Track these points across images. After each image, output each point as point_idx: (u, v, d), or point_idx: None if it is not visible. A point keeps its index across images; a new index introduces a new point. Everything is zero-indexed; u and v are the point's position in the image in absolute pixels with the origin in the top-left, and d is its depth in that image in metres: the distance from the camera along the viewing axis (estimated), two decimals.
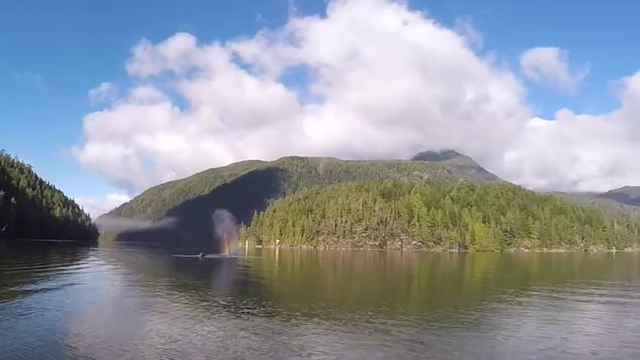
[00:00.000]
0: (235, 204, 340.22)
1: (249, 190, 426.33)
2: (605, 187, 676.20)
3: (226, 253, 72.95)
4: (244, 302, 18.02)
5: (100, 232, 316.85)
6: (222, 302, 18.02)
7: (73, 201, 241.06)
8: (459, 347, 11.01)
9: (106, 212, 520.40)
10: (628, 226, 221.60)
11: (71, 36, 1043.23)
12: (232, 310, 16.03)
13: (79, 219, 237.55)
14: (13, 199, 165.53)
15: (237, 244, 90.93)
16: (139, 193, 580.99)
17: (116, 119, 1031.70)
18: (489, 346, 11.57)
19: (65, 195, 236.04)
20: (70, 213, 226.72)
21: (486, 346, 11.52)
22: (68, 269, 35.17)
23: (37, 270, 32.94)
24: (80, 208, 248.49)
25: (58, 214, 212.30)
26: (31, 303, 16.73)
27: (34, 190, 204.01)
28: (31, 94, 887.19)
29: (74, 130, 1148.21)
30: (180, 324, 13.27)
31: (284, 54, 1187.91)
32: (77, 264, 43.41)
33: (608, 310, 17.90)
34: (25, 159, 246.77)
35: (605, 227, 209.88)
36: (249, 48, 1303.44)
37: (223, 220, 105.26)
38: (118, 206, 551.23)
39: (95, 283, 26.11)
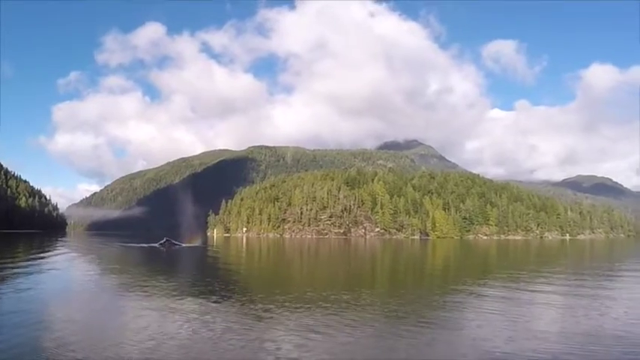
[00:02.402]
0: (205, 193, 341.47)
1: (219, 179, 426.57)
2: (559, 176, 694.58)
3: (192, 242, 68.61)
4: (213, 293, 18.03)
5: (70, 222, 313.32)
6: (190, 293, 17.98)
7: (39, 191, 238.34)
8: (423, 337, 11.29)
9: (76, 202, 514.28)
10: (581, 213, 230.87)
11: (40, 25, 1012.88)
12: (202, 301, 16.08)
13: (46, 209, 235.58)
14: None
15: (197, 236, 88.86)
16: (109, 183, 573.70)
17: (86, 109, 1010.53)
18: (453, 331, 12.08)
19: (32, 185, 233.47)
20: (37, 203, 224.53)
21: (450, 331, 12.04)
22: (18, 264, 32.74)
23: None
24: (47, 197, 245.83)
25: (23, 205, 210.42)
26: None
27: None
28: None
29: (43, 119, 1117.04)
30: (149, 317, 13.23)
31: (253, 44, 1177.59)
32: (28, 257, 41.60)
33: (565, 297, 18.83)
34: None
35: (559, 215, 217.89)
36: (218, 38, 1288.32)
37: (185, 204, 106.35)
38: (88, 196, 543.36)
39: (48, 276, 25.30)
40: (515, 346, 10.35)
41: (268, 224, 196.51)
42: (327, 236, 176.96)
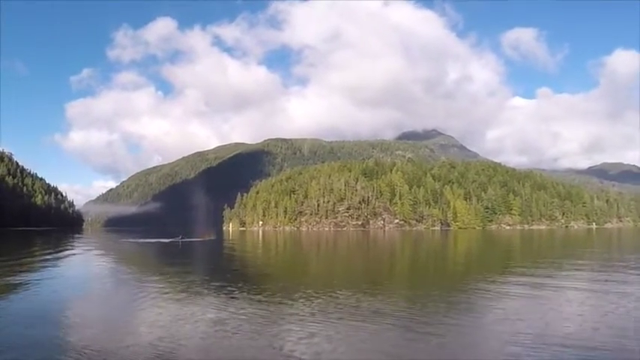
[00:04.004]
0: (221, 187, 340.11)
1: (235, 172, 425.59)
2: (584, 164, 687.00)
3: (206, 237, 68.41)
4: (231, 288, 17.30)
5: (87, 218, 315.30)
6: (207, 288, 17.53)
7: (55, 188, 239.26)
8: (444, 327, 10.91)
9: (93, 199, 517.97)
10: (607, 201, 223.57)
11: (51, 23, 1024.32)
12: (219, 296, 15.51)
13: (62, 206, 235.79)
14: None
15: (211, 230, 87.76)
16: (125, 179, 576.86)
17: (99, 105, 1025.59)
18: (475, 325, 11.57)
19: (48, 182, 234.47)
20: (53, 200, 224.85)
21: (472, 326, 11.49)
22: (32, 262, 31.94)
23: None
24: (64, 194, 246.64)
25: (39, 202, 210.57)
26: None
27: (14, 178, 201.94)
28: (13, 82, 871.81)
29: (57, 117, 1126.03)
30: (168, 311, 12.88)
31: (266, 37, 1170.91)
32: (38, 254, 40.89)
33: (590, 289, 17.43)
34: (7, 147, 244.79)
35: (585, 203, 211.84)
36: (230, 31, 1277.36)
37: (200, 199, 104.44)
38: (104, 192, 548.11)
39: (68, 271, 25.49)
40: (539, 343, 9.49)
41: (284, 217, 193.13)
42: (344, 228, 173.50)
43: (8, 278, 20.81)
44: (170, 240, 60.00)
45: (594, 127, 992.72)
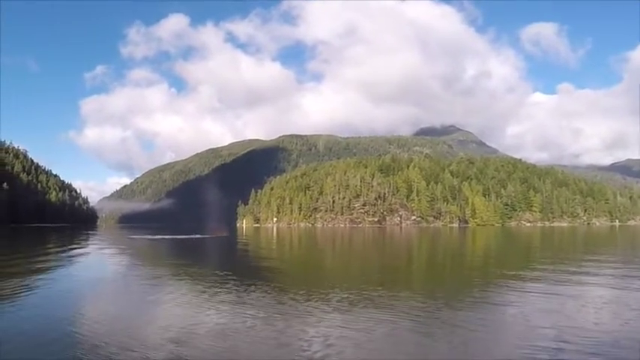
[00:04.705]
0: (235, 183, 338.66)
1: (249, 169, 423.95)
2: (607, 160, 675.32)
3: (218, 234, 67.80)
4: (242, 285, 16.53)
5: (101, 215, 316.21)
6: (218, 286, 16.60)
7: (70, 185, 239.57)
8: (464, 323, 10.51)
9: (107, 195, 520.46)
10: (631, 198, 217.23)
11: (63, 19, 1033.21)
12: (231, 293, 14.77)
13: (76, 202, 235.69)
14: (5, 185, 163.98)
15: (224, 227, 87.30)
16: (138, 175, 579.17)
17: (113, 102, 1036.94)
18: (495, 323, 11.11)
19: (62, 179, 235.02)
20: (67, 197, 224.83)
21: (492, 323, 10.99)
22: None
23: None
24: (78, 191, 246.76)
25: (54, 199, 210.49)
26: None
27: (29, 175, 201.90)
28: (26, 79, 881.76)
29: (71, 114, 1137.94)
30: (182, 308, 12.58)
31: (279, 32, 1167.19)
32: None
33: (610, 293, 15.83)
34: (23, 144, 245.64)
35: (607, 200, 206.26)
36: (243, 27, 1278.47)
37: (214, 195, 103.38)
38: (118, 189, 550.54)
39: (81, 266, 25.58)
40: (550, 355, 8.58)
41: (299, 214, 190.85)
42: (360, 225, 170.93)
43: (22, 275, 19.97)
44: (184, 237, 59.80)
45: (617, 123, 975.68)
